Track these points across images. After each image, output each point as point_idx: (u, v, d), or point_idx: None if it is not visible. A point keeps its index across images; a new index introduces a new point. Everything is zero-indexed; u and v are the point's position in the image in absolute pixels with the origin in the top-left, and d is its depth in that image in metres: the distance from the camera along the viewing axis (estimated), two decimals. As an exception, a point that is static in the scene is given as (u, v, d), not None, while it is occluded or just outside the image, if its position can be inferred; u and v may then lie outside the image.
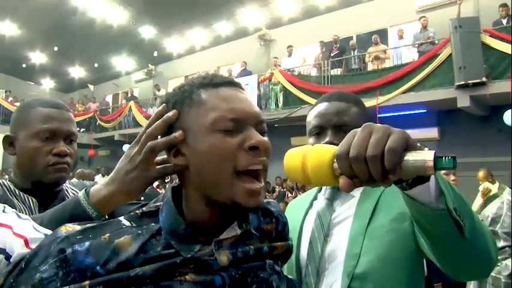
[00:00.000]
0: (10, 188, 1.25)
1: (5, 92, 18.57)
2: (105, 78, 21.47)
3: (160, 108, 0.89)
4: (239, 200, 0.77)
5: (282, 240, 0.96)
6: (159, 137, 0.88)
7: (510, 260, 2.00)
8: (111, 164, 15.70)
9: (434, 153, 0.59)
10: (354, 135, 0.65)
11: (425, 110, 10.20)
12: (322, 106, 1.32)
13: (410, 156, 0.61)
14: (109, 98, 21.39)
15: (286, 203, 9.12)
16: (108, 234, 0.77)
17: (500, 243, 2.07)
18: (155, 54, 18.15)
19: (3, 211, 0.87)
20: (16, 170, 1.30)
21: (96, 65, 19.99)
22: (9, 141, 1.31)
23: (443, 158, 0.58)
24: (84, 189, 0.95)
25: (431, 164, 0.58)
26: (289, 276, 1.00)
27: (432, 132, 10.39)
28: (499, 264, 2.03)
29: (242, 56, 14.74)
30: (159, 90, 17.23)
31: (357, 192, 1.27)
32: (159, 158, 0.90)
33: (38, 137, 1.25)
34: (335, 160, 0.67)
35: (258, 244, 0.87)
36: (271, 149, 0.82)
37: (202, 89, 0.84)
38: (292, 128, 11.05)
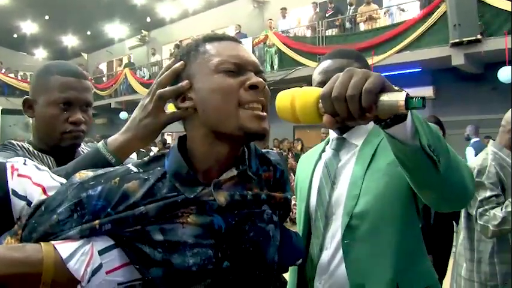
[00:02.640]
0: (29, 149, 1.32)
1: (-4, 62, 18.38)
2: (98, 46, 21.28)
3: (170, 62, 0.97)
4: (246, 124, 0.84)
5: (280, 188, 1.02)
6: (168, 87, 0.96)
7: (497, 209, 2.08)
8: (108, 132, 15.76)
9: (406, 94, 0.65)
10: (337, 78, 0.72)
11: (420, 69, 10.21)
12: (326, 63, 1.39)
13: (385, 97, 0.68)
14: (103, 66, 21.22)
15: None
16: (118, 179, 0.85)
17: (487, 193, 2.12)
18: (148, 19, 17.93)
19: (24, 163, 0.96)
20: (35, 133, 1.36)
21: (88, 32, 19.77)
22: (28, 104, 1.36)
23: (414, 98, 0.65)
24: (102, 140, 1.04)
25: (402, 103, 0.65)
26: (291, 229, 1.08)
27: (427, 91, 10.40)
28: (487, 214, 2.09)
29: (235, 19, 14.59)
30: (154, 54, 17.11)
31: (359, 142, 1.37)
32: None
33: (55, 105, 1.30)
34: (320, 100, 0.74)
35: (256, 191, 0.93)
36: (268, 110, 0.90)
37: (207, 42, 0.93)
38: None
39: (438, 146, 0.87)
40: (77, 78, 1.35)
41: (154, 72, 16.06)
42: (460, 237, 2.46)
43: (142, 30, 19.06)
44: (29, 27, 18.89)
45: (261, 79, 0.88)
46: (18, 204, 0.89)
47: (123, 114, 16.02)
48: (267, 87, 0.89)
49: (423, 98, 0.65)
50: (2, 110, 16.44)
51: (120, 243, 0.83)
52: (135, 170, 0.89)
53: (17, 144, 1.32)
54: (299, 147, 9.98)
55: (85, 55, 22.24)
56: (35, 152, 1.32)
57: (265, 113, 0.87)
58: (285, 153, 10.30)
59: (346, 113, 0.70)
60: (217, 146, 0.89)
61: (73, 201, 0.82)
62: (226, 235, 0.87)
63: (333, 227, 1.32)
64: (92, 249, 0.80)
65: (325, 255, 1.32)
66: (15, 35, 19.60)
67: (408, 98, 0.65)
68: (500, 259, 2.17)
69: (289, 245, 1.03)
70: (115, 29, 19.49)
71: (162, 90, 0.94)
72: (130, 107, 16.02)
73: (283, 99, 0.78)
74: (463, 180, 0.98)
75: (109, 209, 0.82)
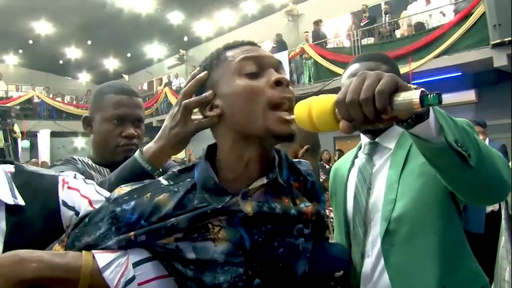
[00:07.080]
0: (88, 163, 1.44)
1: (43, 88, 19.13)
2: (138, 67, 21.88)
3: (195, 71, 1.01)
4: (273, 127, 0.85)
5: (313, 198, 1.01)
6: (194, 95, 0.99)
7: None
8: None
9: (421, 91, 0.63)
10: (350, 83, 0.70)
11: (460, 73, 9.96)
12: (354, 67, 1.39)
13: (399, 97, 0.66)
14: (144, 86, 21.76)
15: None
16: (149, 193, 0.91)
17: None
18: (185, 39, 18.30)
19: (74, 177, 1.06)
20: (93, 148, 1.50)
21: (129, 54, 20.37)
22: (87, 122, 1.50)
23: (429, 95, 0.63)
24: (138, 149, 1.10)
25: (417, 101, 0.63)
26: (333, 241, 1.08)
27: (469, 95, 10.16)
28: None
29: (271, 33, 14.61)
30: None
31: (392, 145, 1.35)
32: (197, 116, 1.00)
33: (110, 121, 1.42)
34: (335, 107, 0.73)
35: (287, 201, 0.93)
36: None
37: (227, 50, 0.96)
38: (326, 101, 10.98)
39: (466, 140, 0.86)
40: (129, 96, 1.47)
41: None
42: (502, 240, 2.41)
43: (180, 50, 19.49)
44: (73, 53, 19.66)
45: (284, 76, 0.89)
46: (67, 214, 0.99)
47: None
48: (290, 86, 0.91)
49: (439, 94, 0.62)
50: (50, 132, 17.10)
51: (156, 256, 0.88)
52: (166, 183, 0.94)
53: (78, 159, 1.45)
54: (337, 158, 9.92)
55: (126, 76, 22.87)
56: (94, 165, 1.44)
57: (292, 116, 0.83)
58: (325, 164, 10.30)
59: (362, 118, 0.68)
60: (246, 151, 0.89)
61: (110, 215, 0.89)
62: (253, 252, 0.87)
63: (373, 233, 1.30)
64: (127, 261, 0.86)
65: (368, 263, 1.30)
66: (60, 61, 20.42)
67: (423, 96, 0.63)
68: None
69: (323, 256, 1.02)
70: (154, 50, 20.04)
71: (187, 101, 0.97)
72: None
73: (301, 109, 0.77)
74: (498, 172, 0.96)
75: (143, 221, 0.87)
